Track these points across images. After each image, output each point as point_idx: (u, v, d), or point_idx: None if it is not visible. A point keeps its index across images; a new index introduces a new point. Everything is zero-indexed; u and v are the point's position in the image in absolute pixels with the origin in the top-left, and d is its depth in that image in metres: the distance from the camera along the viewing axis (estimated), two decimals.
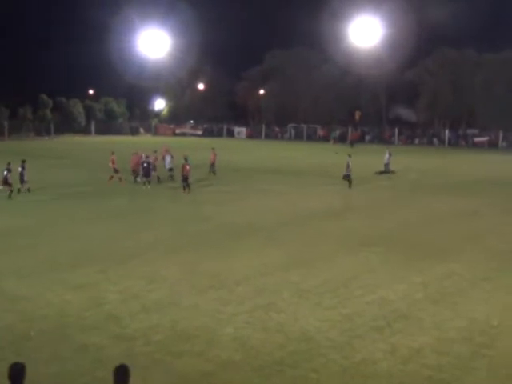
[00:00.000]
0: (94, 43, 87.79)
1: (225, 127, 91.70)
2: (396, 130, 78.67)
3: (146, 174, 31.04)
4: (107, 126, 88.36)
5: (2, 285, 13.91)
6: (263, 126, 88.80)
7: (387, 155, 39.12)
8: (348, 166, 31.49)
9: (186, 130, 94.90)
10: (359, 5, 77.83)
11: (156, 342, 10.80)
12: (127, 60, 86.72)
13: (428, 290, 13.90)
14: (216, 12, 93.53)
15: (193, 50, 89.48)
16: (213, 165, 35.88)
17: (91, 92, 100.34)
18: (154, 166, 32.80)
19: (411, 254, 17.30)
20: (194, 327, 11.48)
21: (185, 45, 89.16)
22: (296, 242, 18.76)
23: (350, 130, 79.01)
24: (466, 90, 77.67)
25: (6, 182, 27.23)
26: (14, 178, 27.46)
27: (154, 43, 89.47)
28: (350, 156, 31.91)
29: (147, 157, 32.14)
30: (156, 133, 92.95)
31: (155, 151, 34.53)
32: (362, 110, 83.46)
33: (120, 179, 32.26)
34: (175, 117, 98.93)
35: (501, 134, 71.30)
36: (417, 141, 78.33)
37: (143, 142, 63.74)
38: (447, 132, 76.35)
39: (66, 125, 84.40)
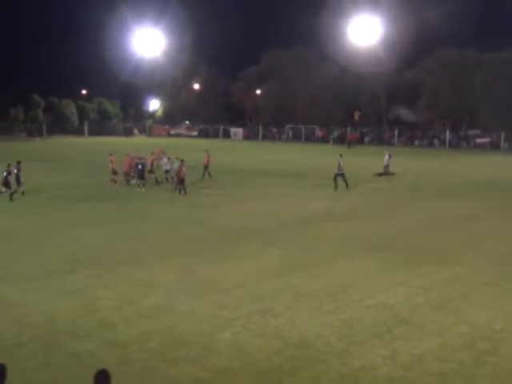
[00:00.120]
0: (87, 42, 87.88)
1: (221, 128, 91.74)
2: (396, 131, 78.77)
3: (141, 176, 30.99)
4: (100, 126, 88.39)
5: None
6: (260, 127, 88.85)
7: (387, 157, 39.13)
8: (340, 165, 31.46)
9: (181, 130, 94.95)
10: (358, 3, 78.09)
11: (151, 349, 10.77)
12: (121, 59, 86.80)
13: (429, 295, 13.89)
14: (212, 10, 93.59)
15: (188, 49, 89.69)
16: (206, 167, 35.72)
17: (84, 92, 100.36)
18: (152, 167, 32.81)
19: (411, 257, 17.29)
20: (190, 333, 11.45)
21: (180, 44, 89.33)
22: (294, 246, 18.74)
23: (348, 130, 79.08)
24: (466, 90, 77.82)
25: (6, 183, 27.34)
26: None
27: (148, 42, 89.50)
28: (341, 156, 31.87)
29: (140, 158, 32.13)
30: (150, 134, 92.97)
31: (153, 153, 34.55)
32: (361, 110, 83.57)
33: (114, 181, 32.28)
34: (170, 117, 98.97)
35: (503, 135, 71.42)
36: (417, 142, 78.42)
37: (137, 143, 63.73)
38: (448, 133, 76.44)
39: (59, 125, 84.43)
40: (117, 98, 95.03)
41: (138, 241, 19.20)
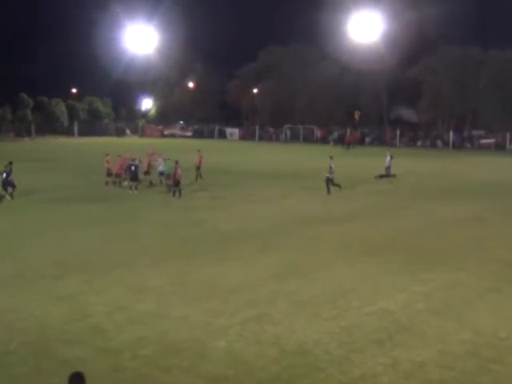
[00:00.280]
0: (77, 39, 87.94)
1: (216, 128, 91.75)
2: (397, 132, 78.85)
3: (133, 177, 31.00)
4: (91, 126, 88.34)
5: None
6: (257, 127, 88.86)
7: (388, 158, 39.21)
8: (331, 168, 31.40)
9: (175, 131, 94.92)
10: None
11: (143, 356, 10.79)
12: (113, 57, 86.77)
13: (431, 301, 13.93)
14: (207, 5, 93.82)
15: (182, 46, 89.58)
16: (198, 168, 35.64)
17: (74, 91, 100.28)
18: (149, 169, 32.82)
19: (413, 262, 17.34)
20: (184, 340, 11.47)
21: (173, 41, 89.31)
22: (292, 250, 18.76)
23: (348, 131, 79.14)
24: (470, 89, 77.93)
25: (6, 185, 27.75)
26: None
27: (140, 39, 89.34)
28: (331, 158, 31.83)
29: (134, 159, 32.15)
30: (143, 134, 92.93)
31: (151, 153, 34.57)
32: (362, 110, 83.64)
33: (106, 183, 32.34)
34: (163, 117, 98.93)
35: (508, 136, 71.55)
36: (419, 143, 78.52)
37: (130, 144, 63.72)
38: (451, 133, 76.55)
39: (48, 125, 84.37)
40: (108, 97, 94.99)
41: (131, 244, 19.22)
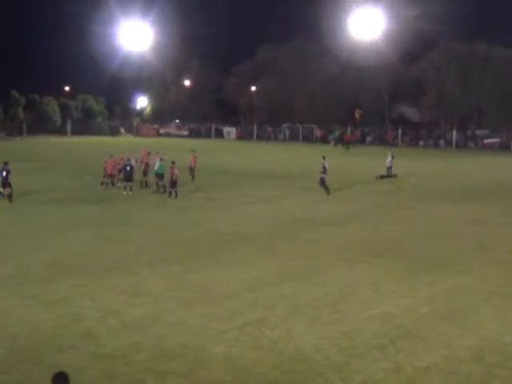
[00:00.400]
0: (70, 36, 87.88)
1: (213, 127, 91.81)
2: (399, 131, 78.90)
3: (128, 178, 30.92)
4: (85, 125, 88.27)
5: None
6: (255, 126, 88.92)
7: (389, 158, 39.24)
8: (324, 168, 31.27)
9: (171, 130, 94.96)
10: None
11: (138, 362, 10.76)
12: (106, 54, 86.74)
13: (434, 305, 13.93)
14: (203, 1, 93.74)
15: (178, 43, 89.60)
16: (192, 168, 35.53)
17: (67, 89, 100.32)
18: (145, 170, 32.76)
19: (416, 265, 17.33)
20: (180, 345, 11.45)
21: (169, 38, 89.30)
22: (290, 252, 18.75)
23: (349, 130, 79.15)
24: (474, 87, 78.06)
25: (4, 184, 27.78)
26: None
27: (135, 36, 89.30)
28: (324, 158, 31.79)
29: (129, 159, 32.12)
30: (138, 133, 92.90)
31: (149, 153, 34.50)
32: (363, 108, 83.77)
33: (102, 183, 32.32)
34: (159, 116, 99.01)
35: None
36: (422, 142, 78.67)
37: (124, 144, 63.64)
38: (454, 133, 76.63)
39: (40, 124, 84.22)
40: (102, 95, 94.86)
41: (126, 246, 19.19)
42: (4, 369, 10.40)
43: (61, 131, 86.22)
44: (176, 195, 29.31)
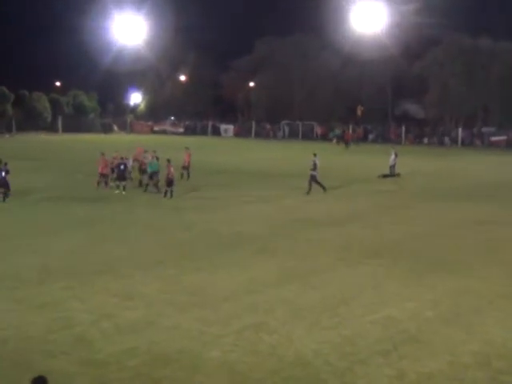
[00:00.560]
0: (61, 29, 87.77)
1: (210, 124, 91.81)
2: (403, 128, 78.94)
3: (121, 177, 30.92)
4: (76, 122, 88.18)
5: None
6: (253, 123, 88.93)
7: (393, 156, 39.27)
8: (315, 165, 31.24)
9: (166, 127, 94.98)
10: None
11: (131, 368, 10.75)
12: (99, 48, 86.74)
13: (439, 309, 13.93)
14: None
15: (173, 36, 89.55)
16: (185, 167, 35.46)
17: (58, 84, 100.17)
18: (144, 168, 32.74)
19: (420, 267, 17.34)
20: (175, 350, 11.44)
21: (164, 31, 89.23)
22: (290, 253, 18.76)
23: (350, 127, 79.14)
24: (480, 83, 78.11)
25: (2, 184, 27.97)
26: None
27: (129, 29, 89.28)
28: (315, 155, 31.81)
29: (122, 158, 32.10)
30: (132, 130, 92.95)
31: (145, 151, 34.49)
32: (365, 105, 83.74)
33: (98, 183, 32.34)
34: (153, 112, 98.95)
35: None
36: (426, 140, 78.73)
37: (118, 141, 63.62)
38: (460, 130, 76.70)
39: (30, 121, 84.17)
40: (94, 90, 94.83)
41: (119, 247, 19.17)
42: None
43: (51, 128, 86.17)
44: (171, 195, 29.30)
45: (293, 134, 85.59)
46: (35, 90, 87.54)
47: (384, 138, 78.58)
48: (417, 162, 48.09)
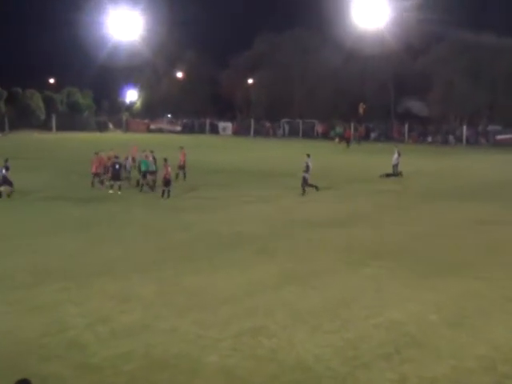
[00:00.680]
0: (55, 25, 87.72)
1: (208, 122, 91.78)
2: (406, 126, 78.92)
3: (116, 176, 30.93)
4: (70, 120, 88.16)
5: None
6: (252, 121, 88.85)
7: (396, 155, 39.28)
8: (307, 167, 31.21)
9: (163, 125, 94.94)
10: None
11: (127, 373, 10.75)
12: (94, 45, 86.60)
13: (443, 311, 13.94)
14: None
15: (170, 32, 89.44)
16: (181, 167, 35.40)
17: (52, 81, 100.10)
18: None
19: (423, 268, 17.35)
20: (172, 355, 11.45)
21: (161, 27, 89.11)
22: (290, 254, 18.77)
23: (352, 125, 79.11)
24: (485, 79, 78.04)
25: (5, 181, 28.58)
26: None
27: (124, 25, 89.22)
28: (308, 156, 31.81)
29: (117, 157, 32.11)
30: (127, 129, 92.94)
31: (144, 150, 34.50)
32: (367, 102, 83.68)
33: (92, 183, 32.38)
34: (150, 110, 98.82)
35: None
36: (430, 138, 78.69)
37: (113, 140, 63.63)
38: (465, 128, 76.66)
39: (23, 119, 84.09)
40: (89, 88, 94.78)
41: (114, 249, 19.18)
42: None
43: (45, 126, 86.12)
44: (168, 195, 29.32)
45: (293, 133, 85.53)
46: (28, 87, 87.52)
47: (387, 137, 78.53)
48: (420, 161, 48.09)
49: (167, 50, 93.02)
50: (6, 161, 29.46)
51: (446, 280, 16.27)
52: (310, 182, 31.29)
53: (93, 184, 32.20)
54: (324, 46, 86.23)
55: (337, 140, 73.84)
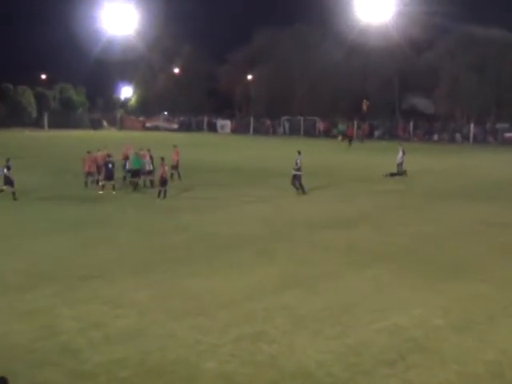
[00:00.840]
0: (47, 19, 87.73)
1: (205, 120, 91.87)
2: (411, 124, 78.93)
3: (109, 176, 30.98)
4: (63, 118, 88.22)
5: None
6: (251, 119, 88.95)
7: (400, 154, 39.31)
8: (297, 164, 31.17)
9: (159, 123, 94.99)
10: None
11: (123, 379, 10.75)
12: (88, 39, 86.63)
13: (449, 316, 13.94)
14: None
15: (166, 26, 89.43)
16: (174, 166, 35.35)
17: (44, 77, 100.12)
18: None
19: (428, 271, 17.36)
20: (169, 361, 11.45)
21: (156, 20, 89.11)
22: (291, 257, 18.77)
23: (355, 123, 79.13)
24: (493, 76, 78.07)
25: (7, 181, 28.68)
26: None
27: (119, 18, 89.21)
28: (299, 153, 31.82)
29: (109, 156, 32.12)
30: (122, 126, 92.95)
31: (141, 149, 34.54)
32: (371, 99, 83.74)
33: (85, 183, 32.42)
34: (145, 107, 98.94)
35: None
36: (436, 136, 78.77)
37: (107, 138, 63.63)
38: (472, 126, 76.70)
39: (14, 116, 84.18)
40: (82, 84, 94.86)
41: (108, 251, 19.16)
42: None
43: (37, 124, 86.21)
44: (165, 195, 29.33)
45: (294, 130, 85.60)
46: (20, 83, 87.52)
47: (391, 135, 78.63)
48: (426, 160, 48.13)
49: (163, 45, 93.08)
50: (8, 160, 29.55)
51: (452, 283, 16.28)
52: (297, 183, 31.04)
53: (86, 184, 32.28)
54: (325, 40, 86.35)
55: (340, 138, 73.72)
